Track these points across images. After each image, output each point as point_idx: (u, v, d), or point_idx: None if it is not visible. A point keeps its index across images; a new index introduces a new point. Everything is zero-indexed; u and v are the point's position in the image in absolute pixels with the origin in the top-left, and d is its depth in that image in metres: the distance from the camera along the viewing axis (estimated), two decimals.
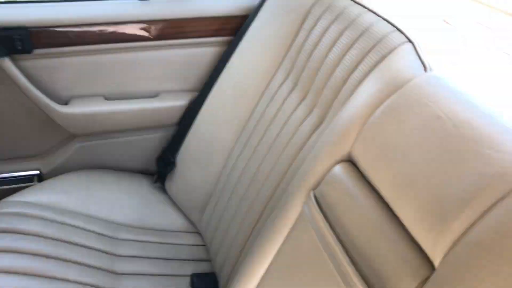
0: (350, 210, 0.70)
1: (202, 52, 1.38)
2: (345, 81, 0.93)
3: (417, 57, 0.77)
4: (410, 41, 0.83)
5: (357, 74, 0.89)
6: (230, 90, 1.24)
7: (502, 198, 0.51)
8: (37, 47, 1.23)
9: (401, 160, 0.65)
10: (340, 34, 0.99)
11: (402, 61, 0.79)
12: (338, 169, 0.76)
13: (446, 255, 0.54)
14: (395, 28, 0.88)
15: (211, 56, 1.38)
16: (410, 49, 0.81)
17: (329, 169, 0.78)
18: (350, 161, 0.77)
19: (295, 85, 1.09)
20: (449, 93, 0.66)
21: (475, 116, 0.61)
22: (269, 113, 1.12)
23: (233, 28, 1.34)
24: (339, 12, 1.02)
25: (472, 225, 0.53)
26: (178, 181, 1.34)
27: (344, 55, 0.96)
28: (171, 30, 1.32)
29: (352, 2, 1.02)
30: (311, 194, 0.78)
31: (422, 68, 0.74)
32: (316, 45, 1.05)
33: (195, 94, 1.40)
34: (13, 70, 1.22)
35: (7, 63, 1.21)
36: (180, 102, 1.40)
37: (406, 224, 0.62)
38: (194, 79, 1.41)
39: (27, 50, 1.22)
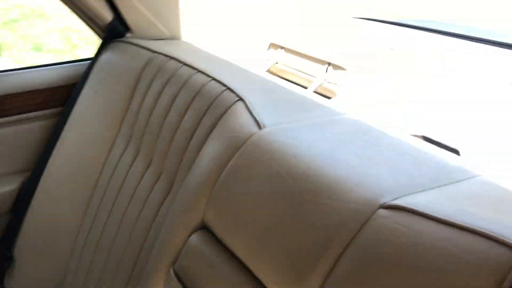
0: (212, 280, 0.68)
1: (29, 128, 1.25)
2: (187, 144, 0.92)
3: (250, 114, 0.80)
4: (241, 99, 0.86)
5: (197, 136, 0.89)
6: (67, 165, 1.14)
7: (346, 247, 0.54)
8: None
9: (252, 222, 0.65)
10: (175, 96, 0.98)
11: (237, 120, 0.81)
12: (194, 239, 0.74)
13: None
14: (226, 87, 0.91)
15: (40, 131, 1.26)
16: (242, 107, 0.84)
17: (185, 240, 0.75)
18: (206, 228, 0.75)
19: (137, 152, 1.04)
20: (284, 148, 0.69)
21: (311, 167, 0.65)
22: (114, 185, 1.05)
23: (61, 99, 1.25)
24: (171, 75, 1.02)
25: (328, 275, 0.55)
26: (19, 277, 1.17)
27: (182, 117, 0.95)
28: None
29: (182, 64, 1.03)
30: (171, 272, 0.74)
31: (256, 125, 0.77)
32: (152, 109, 1.03)
33: (27, 175, 1.25)
34: None
35: None
36: (9, 187, 1.23)
37: (268, 285, 0.62)
38: (24, 159, 1.26)
39: None
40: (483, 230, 0.48)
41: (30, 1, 5.08)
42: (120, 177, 1.05)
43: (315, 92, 1.12)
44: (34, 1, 5.07)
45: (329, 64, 1.14)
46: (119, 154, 1.08)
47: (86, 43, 4.17)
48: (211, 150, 0.81)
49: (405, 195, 0.57)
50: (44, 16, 4.72)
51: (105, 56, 1.18)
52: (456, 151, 0.83)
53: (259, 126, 0.77)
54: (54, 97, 1.25)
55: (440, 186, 0.61)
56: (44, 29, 4.42)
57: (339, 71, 1.12)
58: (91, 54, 1.26)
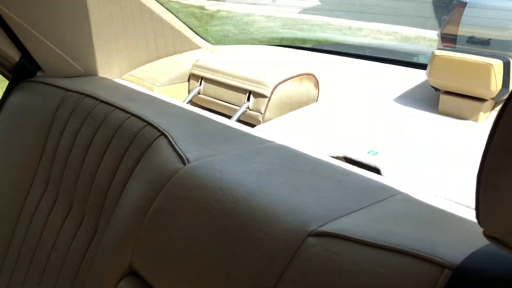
0: None
1: None
2: (109, 185, 0.88)
3: (173, 150, 0.78)
4: (163, 134, 0.84)
5: (119, 176, 0.86)
6: None
7: (278, 281, 0.53)
8: None
9: (182, 264, 0.63)
10: (93, 136, 0.94)
11: (160, 157, 0.79)
12: (123, 286, 0.70)
13: None
14: (146, 123, 0.88)
15: None
16: (165, 143, 0.82)
17: None
18: (135, 274, 0.71)
19: (56, 197, 0.98)
20: (210, 182, 0.68)
21: (238, 201, 0.64)
22: (33, 235, 0.98)
23: None
24: (87, 113, 0.98)
25: None
26: None
27: (102, 157, 0.91)
28: None
29: (98, 101, 0.99)
30: None
31: (180, 161, 0.75)
32: (70, 150, 0.97)
33: None
34: None
35: None
36: None
37: None
38: None
39: None
40: (408, 250, 0.49)
41: None
42: (39, 225, 0.98)
43: (239, 120, 1.12)
44: None
45: (250, 92, 1.15)
46: (36, 201, 1.01)
47: None
48: (135, 190, 0.78)
49: (331, 220, 0.58)
50: None
51: (14, 98, 1.10)
52: (377, 170, 0.86)
53: (183, 161, 0.75)
54: None
55: (364, 207, 0.63)
56: None
57: (260, 99, 1.14)
58: None
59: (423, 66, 1.26)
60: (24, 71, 1.13)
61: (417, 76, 1.27)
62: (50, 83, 1.09)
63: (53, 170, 1.00)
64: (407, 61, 1.30)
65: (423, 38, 4.57)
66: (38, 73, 1.15)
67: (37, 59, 1.12)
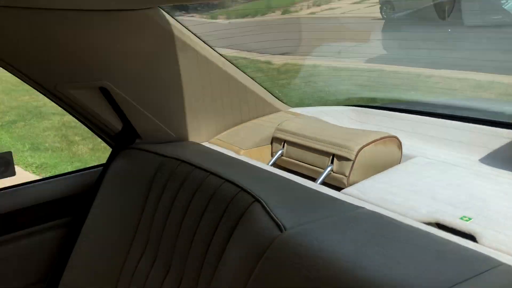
0: None
1: (40, 240, 1.25)
2: (207, 248, 0.92)
3: (269, 217, 0.82)
4: (257, 200, 0.88)
5: (216, 240, 0.90)
6: (82, 277, 1.13)
7: None
8: None
9: None
10: (190, 201, 1.00)
11: (256, 223, 0.83)
12: None
13: None
14: (240, 189, 0.93)
15: (50, 243, 1.26)
16: (259, 209, 0.86)
17: None
18: None
19: (155, 257, 1.04)
20: (310, 251, 0.71)
21: (340, 271, 0.66)
22: None
23: (71, 208, 1.26)
24: (183, 179, 1.05)
25: None
26: None
27: (199, 221, 0.97)
28: (3, 224, 1.18)
29: (194, 167, 1.06)
30: None
31: (277, 228, 0.78)
32: (168, 213, 1.04)
33: (40, 286, 1.23)
34: None
35: None
36: None
37: None
38: (36, 272, 1.25)
39: None
40: None
41: (28, 102, 5.23)
42: (138, 284, 1.04)
43: (324, 183, 1.15)
44: (32, 103, 5.23)
45: (334, 155, 1.18)
46: (136, 260, 1.08)
47: (82, 138, 4.26)
48: (234, 255, 0.82)
49: None
50: (40, 115, 4.84)
51: (116, 164, 1.21)
52: (472, 237, 0.84)
53: (280, 228, 0.78)
54: (64, 207, 1.26)
55: (465, 280, 0.62)
56: (40, 129, 4.52)
57: (344, 162, 1.16)
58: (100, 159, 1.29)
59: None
60: (125, 138, 1.24)
61: (507, 136, 1.23)
62: (148, 149, 1.19)
63: (152, 231, 1.07)
64: (495, 121, 1.27)
65: (497, 83, 4.40)
66: (137, 140, 1.26)
67: (136, 128, 1.23)
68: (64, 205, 1.27)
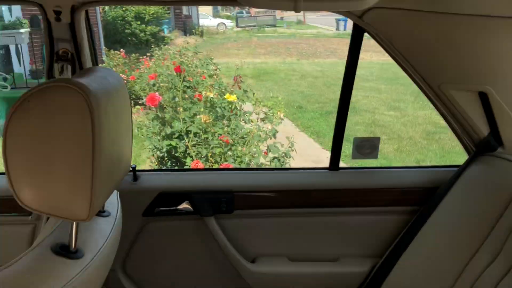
0: None
1: (385, 219, 1.40)
2: None
3: None
4: None
5: None
6: (421, 261, 1.21)
7: None
8: (237, 208, 1.35)
9: None
10: None
11: None
12: None
13: None
14: None
15: (394, 224, 1.39)
16: None
17: None
18: None
19: (509, 269, 1.03)
20: None
21: None
22: None
23: (419, 199, 1.36)
24: None
25: None
26: None
27: None
28: (358, 198, 1.37)
29: None
30: None
31: None
32: None
33: (376, 260, 1.38)
34: (215, 228, 1.35)
35: (212, 221, 1.34)
36: (361, 268, 1.39)
37: None
38: (376, 246, 1.41)
39: (229, 210, 1.35)
40: None
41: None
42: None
43: None
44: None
45: None
46: (482, 265, 1.09)
47: (389, 138, 4.43)
48: None
49: None
50: (354, 110, 5.27)
51: (474, 168, 1.23)
52: None
53: None
54: (413, 197, 1.37)
55: None
56: (352, 122, 4.93)
57: None
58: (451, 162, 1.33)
59: None
60: (487, 145, 1.25)
61: None
62: (510, 159, 1.17)
63: (508, 242, 1.05)
64: None
65: None
66: (499, 149, 1.24)
67: (502, 136, 1.22)
68: (411, 194, 1.37)
